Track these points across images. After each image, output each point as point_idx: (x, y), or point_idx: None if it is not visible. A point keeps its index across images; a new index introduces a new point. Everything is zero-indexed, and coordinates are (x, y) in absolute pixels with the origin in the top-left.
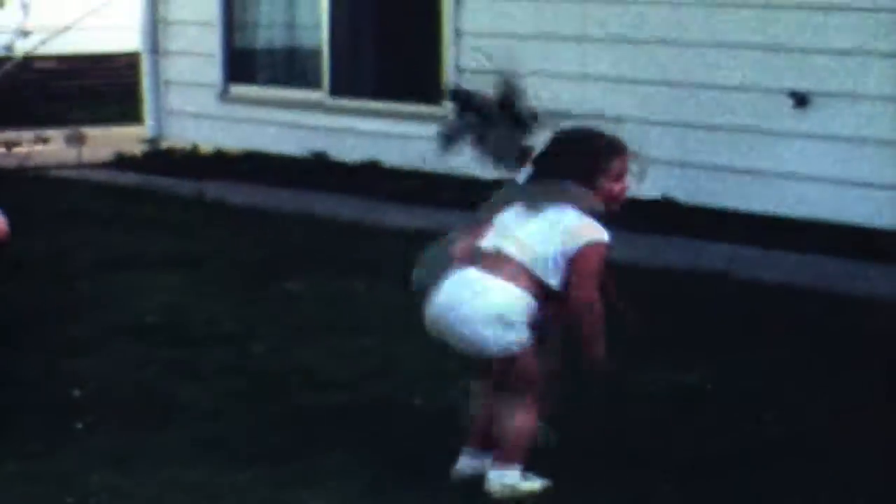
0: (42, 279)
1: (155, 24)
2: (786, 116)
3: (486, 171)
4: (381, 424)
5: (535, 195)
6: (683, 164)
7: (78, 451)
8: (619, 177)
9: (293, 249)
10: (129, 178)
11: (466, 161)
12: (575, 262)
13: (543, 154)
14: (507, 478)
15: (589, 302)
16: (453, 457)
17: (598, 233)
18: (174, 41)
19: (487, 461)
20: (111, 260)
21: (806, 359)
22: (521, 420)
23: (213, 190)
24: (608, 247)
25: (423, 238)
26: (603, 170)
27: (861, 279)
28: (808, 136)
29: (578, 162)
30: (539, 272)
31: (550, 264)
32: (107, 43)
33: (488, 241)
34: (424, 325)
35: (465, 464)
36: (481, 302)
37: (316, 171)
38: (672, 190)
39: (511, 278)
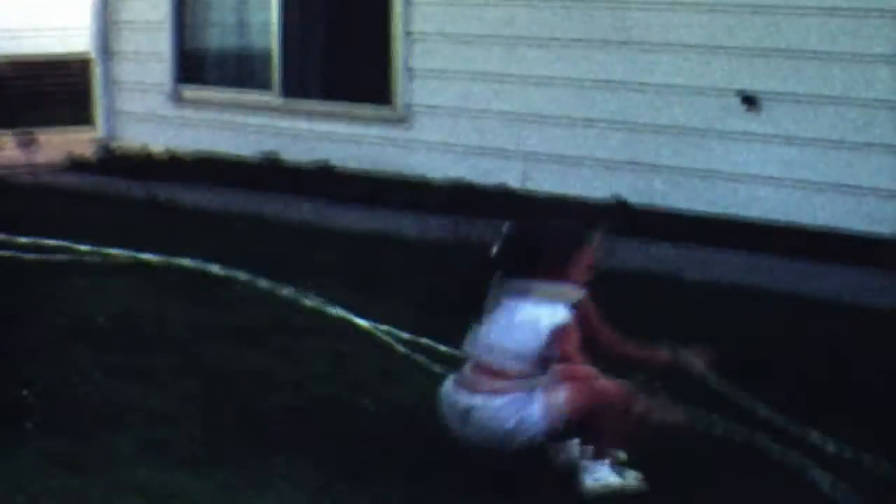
0: None
1: (106, 27)
2: (735, 118)
3: (437, 173)
4: (330, 426)
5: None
6: (633, 166)
7: (29, 451)
8: (589, 264)
9: (243, 251)
10: (80, 181)
11: (418, 162)
12: (559, 347)
13: (508, 256)
14: (597, 473)
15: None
16: (402, 458)
17: (559, 316)
18: (125, 43)
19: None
20: (61, 263)
21: (756, 360)
22: (613, 417)
23: (165, 192)
24: (569, 325)
25: (373, 240)
26: (573, 264)
27: (811, 280)
28: (758, 138)
29: (549, 261)
30: (527, 367)
31: (531, 356)
32: (59, 45)
33: (470, 350)
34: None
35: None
36: (494, 425)
37: (267, 173)
38: (622, 191)
39: (501, 390)
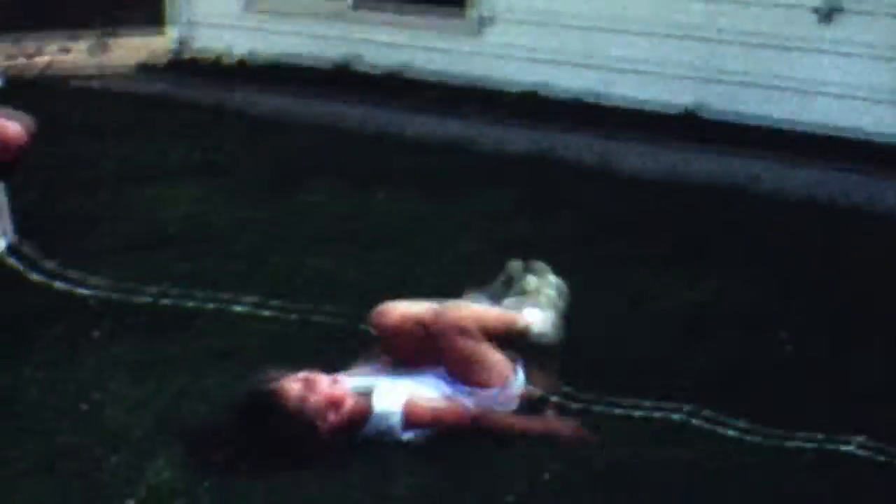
0: (63, 188)
1: None
2: (812, 29)
3: (514, 82)
4: None
5: None
6: (709, 77)
7: (95, 359)
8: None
9: (316, 159)
10: (152, 87)
11: (494, 70)
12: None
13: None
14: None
15: None
16: None
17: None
18: None
19: None
20: (132, 169)
21: (826, 275)
22: None
23: (237, 99)
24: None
25: (448, 148)
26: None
27: (884, 194)
28: (834, 50)
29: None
30: None
31: None
32: None
33: None
34: None
35: None
36: None
37: (341, 80)
38: (697, 102)
39: None
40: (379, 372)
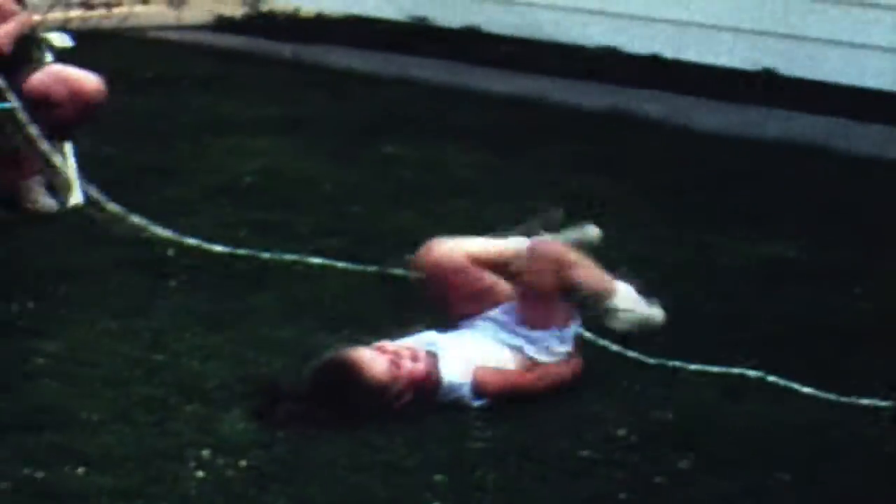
0: (140, 140)
1: None
2: None
3: (587, 39)
4: None
5: None
6: (783, 36)
7: (170, 309)
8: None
9: (391, 113)
10: (228, 41)
11: (568, 28)
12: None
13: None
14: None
15: None
16: None
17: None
18: None
19: None
20: (209, 122)
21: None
22: None
23: (313, 53)
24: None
25: (521, 105)
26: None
27: None
28: None
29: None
30: None
31: None
32: None
33: None
34: None
35: None
36: None
37: (416, 35)
38: (771, 62)
39: None
40: (440, 330)
